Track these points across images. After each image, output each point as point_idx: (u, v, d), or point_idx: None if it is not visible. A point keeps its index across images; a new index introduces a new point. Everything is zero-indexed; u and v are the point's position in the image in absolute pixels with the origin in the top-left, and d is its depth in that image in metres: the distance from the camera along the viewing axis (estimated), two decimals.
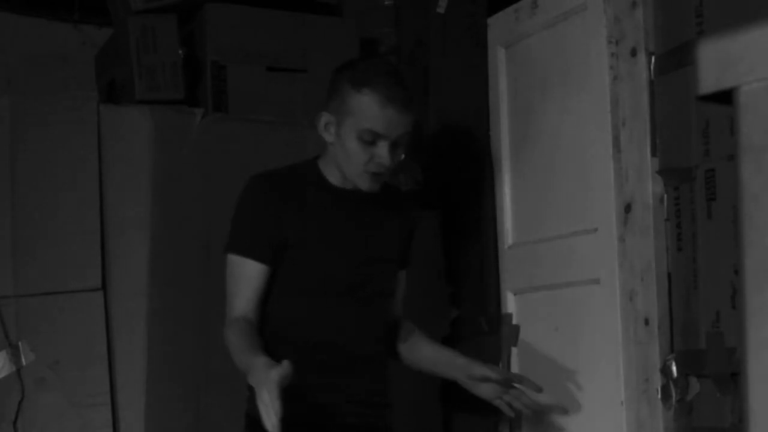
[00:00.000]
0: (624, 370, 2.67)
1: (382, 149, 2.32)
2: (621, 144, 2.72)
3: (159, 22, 3.42)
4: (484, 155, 3.25)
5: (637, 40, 2.74)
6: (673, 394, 2.65)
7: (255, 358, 2.17)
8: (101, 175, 3.09)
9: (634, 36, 2.74)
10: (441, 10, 3.52)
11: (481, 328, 3.22)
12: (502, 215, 3.17)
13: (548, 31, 2.99)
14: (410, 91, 2.39)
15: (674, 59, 2.64)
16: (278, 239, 2.39)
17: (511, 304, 3.12)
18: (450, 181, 3.45)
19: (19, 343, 2.94)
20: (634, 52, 2.74)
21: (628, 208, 2.71)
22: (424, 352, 2.63)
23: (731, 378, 2.47)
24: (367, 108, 2.31)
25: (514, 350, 3.09)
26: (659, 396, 2.67)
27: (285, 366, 2.07)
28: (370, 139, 2.32)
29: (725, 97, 1.04)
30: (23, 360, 2.93)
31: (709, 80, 1.05)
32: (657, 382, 2.68)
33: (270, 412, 2.04)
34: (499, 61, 3.19)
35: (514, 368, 3.09)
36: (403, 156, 2.42)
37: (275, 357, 2.38)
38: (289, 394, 2.35)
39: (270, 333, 2.41)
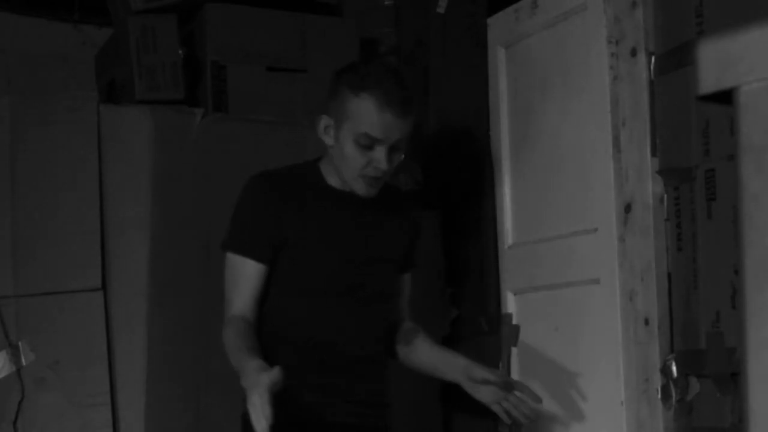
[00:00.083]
0: (624, 370, 2.67)
1: (380, 154, 2.32)
2: (621, 144, 2.72)
3: (159, 22, 3.42)
4: (484, 155, 3.25)
5: (637, 40, 2.74)
6: (673, 394, 2.65)
7: (248, 361, 2.17)
8: (101, 175, 3.09)
9: (634, 36, 2.74)
10: (441, 10, 3.52)
11: (481, 328, 3.22)
12: (502, 215, 3.17)
13: (548, 31, 2.99)
14: (410, 96, 2.38)
15: (674, 59, 2.64)
16: (277, 239, 2.39)
17: (511, 304, 3.12)
18: (450, 181, 3.45)
19: (19, 343, 2.94)
20: (634, 52, 2.74)
21: (628, 208, 2.71)
22: (425, 354, 2.62)
23: (731, 378, 2.47)
24: (365, 112, 2.31)
25: (514, 350, 3.09)
26: (659, 396, 2.68)
27: (276, 372, 2.07)
28: (367, 144, 2.32)
29: (725, 97, 1.04)
30: (23, 360, 2.93)
31: (709, 80, 1.05)
32: (657, 382, 2.68)
33: (259, 415, 2.04)
34: (499, 61, 3.19)
35: (514, 368, 3.09)
36: (401, 159, 2.41)
37: (274, 357, 2.39)
38: (288, 393, 2.36)
39: (269, 333, 2.41)
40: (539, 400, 2.54)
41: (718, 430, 2.53)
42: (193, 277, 3.09)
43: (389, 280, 2.54)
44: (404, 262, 2.59)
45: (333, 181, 2.44)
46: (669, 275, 2.70)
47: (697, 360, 2.58)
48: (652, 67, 2.73)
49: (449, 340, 3.21)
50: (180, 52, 3.42)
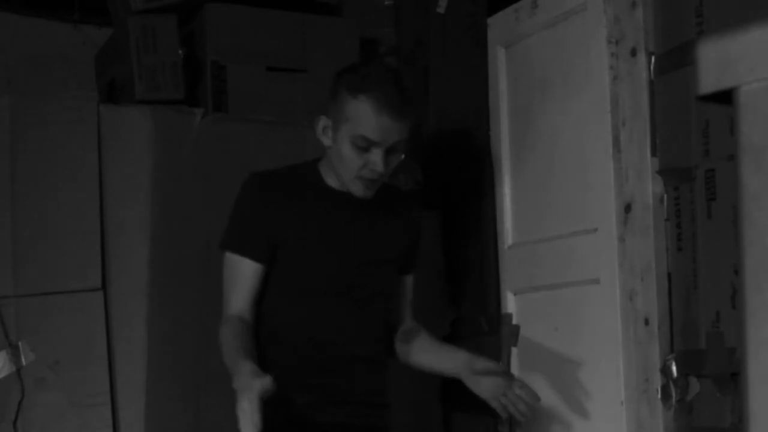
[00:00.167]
0: (624, 370, 2.67)
1: (376, 156, 2.32)
2: (621, 144, 2.72)
3: (159, 22, 3.42)
4: (484, 155, 3.25)
5: (637, 40, 2.74)
6: (673, 394, 2.65)
7: (242, 363, 2.17)
8: (101, 175, 3.09)
9: (634, 36, 2.74)
10: (441, 10, 3.52)
11: (481, 328, 3.22)
12: (502, 215, 3.17)
13: (548, 31, 2.99)
14: (409, 98, 2.38)
15: (674, 59, 2.64)
16: (275, 238, 2.39)
17: (511, 304, 3.12)
18: (450, 181, 3.45)
19: (19, 343, 2.94)
20: (634, 52, 2.74)
21: (628, 208, 2.71)
22: (426, 350, 2.62)
23: (731, 378, 2.47)
24: (362, 115, 2.31)
25: (514, 350, 3.09)
26: (659, 396, 2.67)
27: (268, 380, 2.08)
28: (364, 146, 2.32)
29: (725, 97, 1.05)
30: (23, 360, 2.93)
31: (709, 80, 1.05)
32: (657, 382, 2.68)
33: (248, 421, 2.05)
34: (499, 61, 3.19)
35: (514, 368, 3.09)
36: (399, 161, 2.41)
37: (274, 356, 2.39)
38: (287, 393, 2.36)
39: (268, 332, 2.41)
40: (538, 399, 2.54)
41: (718, 430, 2.53)
42: (193, 277, 3.09)
43: (388, 280, 2.54)
44: (405, 263, 2.59)
45: (331, 181, 2.44)
46: (669, 275, 2.70)
47: (697, 360, 2.58)
48: (652, 67, 2.73)
49: (449, 340, 3.21)
50: (180, 52, 3.42)
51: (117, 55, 3.57)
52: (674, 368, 2.65)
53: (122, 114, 3.17)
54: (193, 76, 3.45)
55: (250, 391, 2.06)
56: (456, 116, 3.50)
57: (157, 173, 3.12)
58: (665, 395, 2.67)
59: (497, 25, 3.21)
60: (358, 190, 2.37)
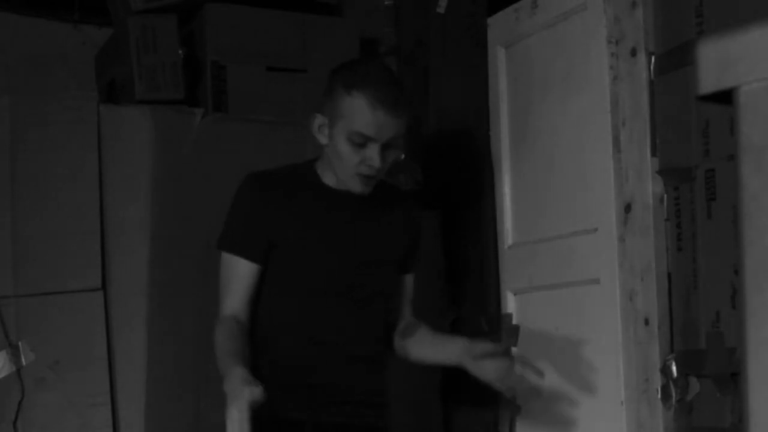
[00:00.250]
0: (624, 370, 2.67)
1: (372, 152, 2.32)
2: (621, 144, 2.72)
3: (159, 22, 3.43)
4: (484, 155, 3.25)
5: (637, 40, 2.74)
6: (673, 394, 2.65)
7: (233, 367, 2.17)
8: (101, 175, 3.09)
9: (634, 36, 2.74)
10: (441, 10, 3.52)
11: (481, 328, 3.22)
12: (502, 215, 3.16)
13: (548, 31, 2.99)
14: (404, 94, 2.38)
15: (674, 59, 2.64)
16: (272, 238, 2.39)
17: (511, 304, 3.12)
18: (450, 181, 3.45)
19: (19, 343, 2.94)
20: (634, 52, 2.74)
21: (628, 208, 2.71)
22: (425, 342, 2.61)
23: (731, 378, 2.47)
24: (357, 110, 2.31)
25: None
26: (659, 396, 2.67)
27: (258, 391, 2.08)
28: (360, 142, 2.32)
29: (725, 97, 1.05)
30: (23, 360, 2.94)
31: (709, 80, 1.05)
32: (657, 382, 2.68)
33: (236, 429, 2.05)
34: (499, 61, 3.19)
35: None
36: (396, 157, 2.41)
37: (274, 356, 2.39)
38: (287, 393, 2.36)
39: (268, 333, 2.41)
40: (542, 375, 2.53)
41: (718, 430, 2.53)
42: (193, 277, 3.09)
43: (388, 279, 2.54)
44: (405, 263, 2.59)
45: (329, 180, 2.44)
46: (669, 275, 2.70)
47: (697, 360, 2.58)
48: (652, 67, 2.73)
49: None
50: (180, 52, 3.42)
51: (117, 55, 3.58)
52: (674, 368, 2.65)
53: (122, 114, 3.17)
54: (193, 76, 3.45)
55: (239, 400, 2.07)
56: (456, 116, 3.50)
57: (157, 173, 3.12)
58: (665, 395, 2.67)
59: (497, 25, 3.21)
60: (355, 186, 2.37)
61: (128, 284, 3.06)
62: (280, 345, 2.40)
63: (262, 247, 2.39)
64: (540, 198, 3.02)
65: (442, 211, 3.42)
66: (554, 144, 2.96)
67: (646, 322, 2.70)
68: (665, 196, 2.70)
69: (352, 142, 2.32)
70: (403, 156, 3.42)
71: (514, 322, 3.10)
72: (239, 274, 2.40)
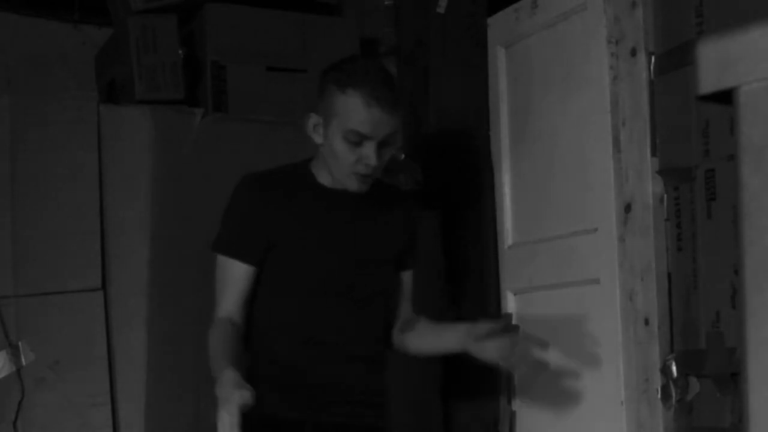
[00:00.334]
0: (624, 370, 2.67)
1: (369, 150, 2.32)
2: (621, 144, 2.72)
3: (159, 22, 3.43)
4: (484, 155, 3.25)
5: (637, 40, 2.74)
6: (673, 394, 2.65)
7: (225, 371, 2.18)
8: (101, 175, 3.09)
9: (634, 36, 2.74)
10: (441, 10, 3.52)
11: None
12: (502, 215, 3.16)
13: (548, 31, 2.99)
14: (397, 91, 2.38)
15: (674, 59, 2.64)
16: (267, 240, 2.39)
17: (511, 304, 3.12)
18: (450, 181, 3.45)
19: (19, 343, 2.94)
20: (634, 52, 2.74)
21: (628, 208, 2.71)
22: (426, 333, 2.60)
23: (731, 378, 2.47)
24: (352, 109, 2.31)
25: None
26: (659, 396, 2.67)
27: (248, 394, 2.08)
28: (356, 140, 2.31)
29: (725, 97, 1.05)
30: (23, 360, 2.94)
31: (709, 80, 1.05)
32: (657, 382, 2.68)
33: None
34: (499, 61, 3.19)
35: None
36: (394, 155, 2.41)
37: (274, 357, 2.39)
38: (287, 393, 2.37)
39: (267, 333, 2.41)
40: (546, 345, 2.52)
41: (718, 430, 2.53)
42: (193, 277, 3.09)
43: (388, 278, 2.54)
44: (403, 260, 2.58)
45: (324, 179, 2.43)
46: (669, 275, 2.70)
47: (697, 360, 2.58)
48: (652, 67, 2.73)
49: None
50: (180, 52, 3.42)
51: (117, 55, 3.58)
52: (674, 368, 2.65)
53: (122, 114, 3.18)
54: (193, 76, 3.45)
55: (230, 403, 2.07)
56: (456, 116, 3.50)
57: (157, 173, 3.12)
58: (665, 395, 2.67)
59: (497, 25, 3.21)
60: (353, 184, 2.37)
61: (128, 284, 3.06)
62: (279, 345, 2.40)
63: (258, 249, 2.39)
64: (540, 198, 3.02)
65: (442, 211, 3.42)
66: (554, 144, 2.96)
67: (646, 322, 2.70)
68: (665, 196, 2.70)
69: (347, 140, 2.32)
70: (403, 156, 3.42)
71: (514, 322, 3.10)
72: (234, 277, 2.40)
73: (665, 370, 2.67)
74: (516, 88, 3.15)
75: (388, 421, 2.55)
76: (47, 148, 3.04)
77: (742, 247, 1.03)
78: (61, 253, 3.01)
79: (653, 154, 2.73)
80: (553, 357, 2.92)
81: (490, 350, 2.49)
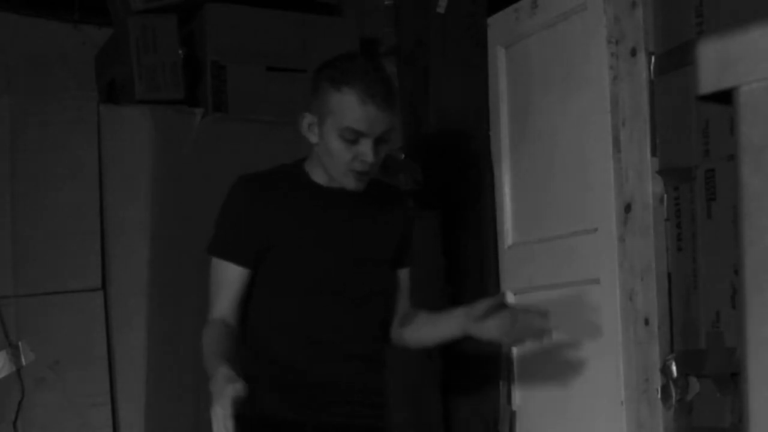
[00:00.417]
0: (624, 370, 2.67)
1: (365, 147, 2.31)
2: (621, 144, 2.72)
3: (159, 22, 3.43)
4: (484, 155, 3.25)
5: (637, 40, 2.74)
6: (673, 394, 2.65)
7: (218, 367, 2.17)
8: (101, 175, 3.09)
9: (634, 36, 2.74)
10: (441, 10, 3.52)
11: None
12: (502, 215, 3.16)
13: (548, 31, 2.99)
14: (392, 87, 2.38)
15: (674, 59, 2.64)
16: (262, 242, 2.38)
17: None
18: (450, 181, 3.45)
19: (19, 343, 2.94)
20: (634, 52, 2.74)
21: (628, 208, 2.71)
22: (425, 322, 2.60)
23: (731, 378, 2.47)
24: (347, 106, 2.30)
25: (514, 350, 3.09)
26: (659, 396, 2.67)
27: (240, 387, 2.08)
28: (352, 138, 2.31)
29: (725, 97, 1.05)
30: (23, 360, 2.94)
31: (709, 80, 1.05)
32: (657, 382, 2.68)
33: (221, 428, 2.06)
34: (499, 61, 3.19)
35: (515, 368, 3.09)
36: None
37: (273, 357, 2.39)
38: (287, 393, 2.36)
39: (265, 333, 2.41)
40: (546, 314, 2.51)
41: (718, 430, 2.53)
42: (193, 277, 3.09)
43: (385, 277, 2.53)
44: (399, 257, 2.57)
45: (319, 178, 2.43)
46: (669, 275, 2.70)
47: (697, 360, 2.58)
48: (652, 67, 2.73)
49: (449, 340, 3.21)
50: (180, 52, 3.42)
51: (117, 55, 3.58)
52: (674, 368, 2.65)
53: (122, 114, 3.18)
54: (193, 76, 3.45)
55: (223, 397, 2.07)
56: (456, 116, 3.50)
57: (157, 173, 3.12)
58: (665, 395, 2.67)
59: (497, 25, 3.21)
60: (349, 183, 2.36)
61: (128, 284, 3.06)
62: (277, 346, 2.40)
63: (253, 251, 2.38)
64: (540, 198, 3.02)
65: (442, 211, 3.42)
66: (554, 144, 2.96)
67: (646, 322, 2.70)
68: (665, 196, 2.70)
69: (343, 138, 2.31)
70: (403, 156, 3.42)
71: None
72: (229, 279, 2.40)
73: (665, 370, 2.67)
74: (516, 88, 3.14)
75: (388, 422, 2.55)
76: (47, 148, 3.04)
77: (742, 247, 1.03)
78: (61, 253, 3.01)
79: (653, 154, 2.73)
80: (553, 357, 2.92)
81: (491, 329, 2.49)
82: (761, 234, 1.01)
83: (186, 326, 3.07)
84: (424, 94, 3.59)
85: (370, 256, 2.47)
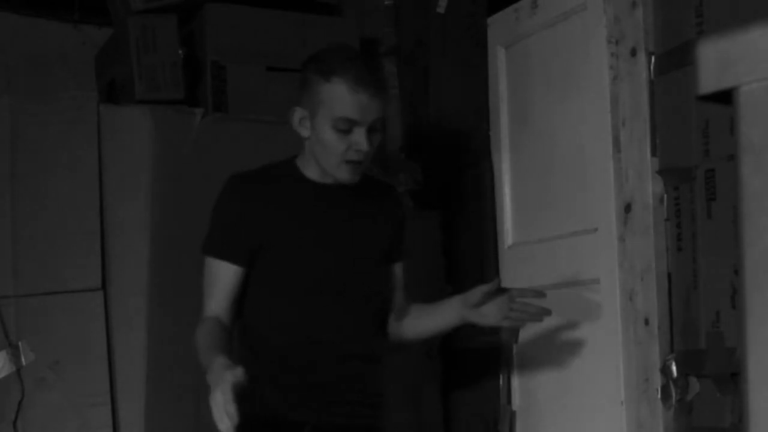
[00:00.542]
0: (624, 370, 2.67)
1: (359, 136, 2.31)
2: (621, 144, 2.72)
3: (159, 22, 3.42)
4: (484, 155, 3.25)
5: (637, 40, 2.74)
6: (673, 394, 2.65)
7: (214, 358, 2.17)
8: (101, 175, 3.09)
9: (634, 36, 2.74)
10: (441, 10, 3.52)
11: (482, 328, 3.22)
12: (502, 215, 3.17)
13: (548, 31, 2.99)
14: (382, 74, 2.38)
15: (674, 59, 2.64)
16: (255, 240, 2.38)
17: None
18: (450, 180, 3.45)
19: (19, 343, 2.94)
20: (634, 52, 2.74)
21: (628, 208, 2.71)
22: (421, 313, 2.59)
23: (731, 378, 2.47)
24: (339, 96, 2.30)
25: (514, 349, 3.09)
26: (659, 396, 2.68)
27: (239, 371, 2.07)
28: (345, 128, 2.31)
29: (725, 97, 1.05)
30: (23, 360, 2.94)
31: (709, 80, 1.05)
32: (657, 382, 2.68)
33: (222, 413, 2.05)
34: (499, 61, 3.19)
35: (515, 367, 3.09)
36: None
37: (272, 356, 2.39)
38: (286, 393, 2.36)
39: (263, 334, 2.41)
40: (543, 295, 2.51)
41: (718, 430, 2.53)
42: (193, 277, 3.08)
43: (383, 275, 2.53)
44: (392, 252, 2.56)
45: (312, 174, 2.42)
46: (669, 275, 2.70)
47: (697, 360, 2.58)
48: (652, 67, 2.73)
49: (448, 340, 3.21)
50: (180, 52, 3.42)
51: (117, 55, 3.57)
52: (674, 368, 2.65)
53: (122, 114, 3.17)
54: (193, 76, 3.45)
55: (223, 382, 2.06)
56: (456, 116, 3.50)
57: (157, 173, 3.12)
58: (665, 395, 2.67)
59: (497, 25, 3.21)
60: (344, 175, 2.35)
61: (128, 284, 3.06)
62: (276, 346, 2.40)
63: (246, 248, 2.38)
64: (540, 198, 3.02)
65: (442, 211, 3.42)
66: (554, 144, 2.96)
67: (646, 322, 2.70)
68: (665, 196, 2.70)
69: (337, 129, 2.31)
70: (403, 156, 3.42)
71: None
72: (222, 278, 2.39)
73: (665, 370, 2.67)
74: (516, 88, 3.15)
75: (388, 422, 2.54)
76: (47, 148, 3.04)
77: (742, 247, 1.03)
78: (61, 253, 3.01)
79: (653, 154, 2.73)
80: (553, 357, 2.92)
81: (488, 314, 2.48)
82: (761, 234, 1.01)
83: (186, 326, 3.06)
84: (424, 94, 3.59)
85: (370, 256, 2.46)
